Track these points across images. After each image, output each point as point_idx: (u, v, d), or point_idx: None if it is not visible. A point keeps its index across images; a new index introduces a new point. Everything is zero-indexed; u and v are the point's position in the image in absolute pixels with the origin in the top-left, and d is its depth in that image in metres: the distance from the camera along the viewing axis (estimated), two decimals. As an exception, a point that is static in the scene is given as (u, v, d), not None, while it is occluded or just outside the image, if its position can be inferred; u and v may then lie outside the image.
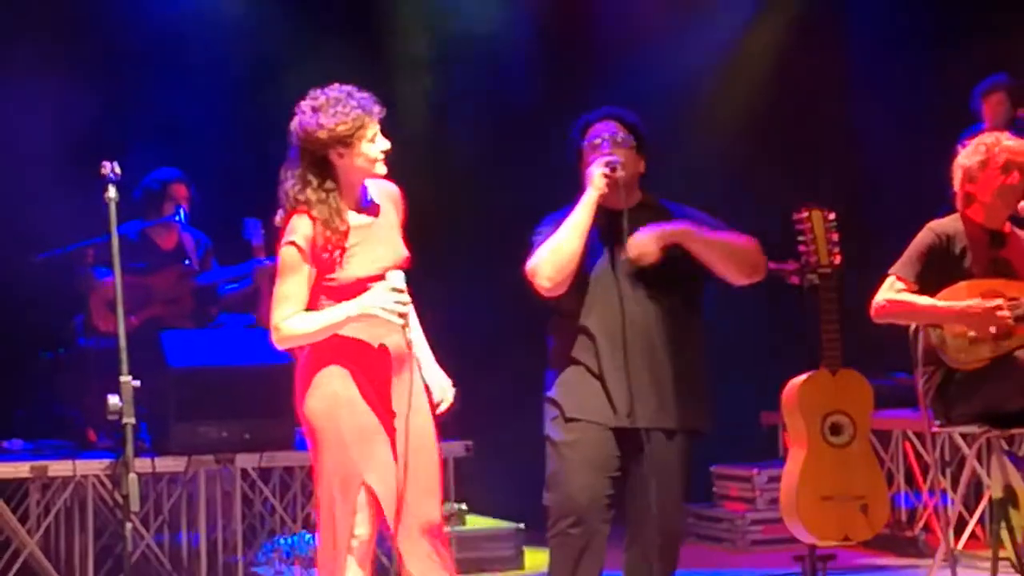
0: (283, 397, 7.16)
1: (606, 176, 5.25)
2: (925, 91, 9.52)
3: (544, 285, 5.25)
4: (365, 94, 4.91)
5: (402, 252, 4.94)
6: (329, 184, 4.83)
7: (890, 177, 8.96)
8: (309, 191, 4.80)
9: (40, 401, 7.89)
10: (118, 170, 4.78)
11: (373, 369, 4.94)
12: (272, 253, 8.09)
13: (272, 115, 8.50)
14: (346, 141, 4.81)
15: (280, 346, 4.91)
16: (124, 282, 5.10)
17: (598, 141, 5.40)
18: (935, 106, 9.12)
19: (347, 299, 4.84)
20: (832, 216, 5.95)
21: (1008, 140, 5.78)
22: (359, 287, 4.83)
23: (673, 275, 5.33)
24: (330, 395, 4.92)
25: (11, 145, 8.13)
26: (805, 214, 5.94)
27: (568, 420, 5.32)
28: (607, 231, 5.33)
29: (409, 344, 4.89)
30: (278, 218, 4.88)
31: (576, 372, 5.36)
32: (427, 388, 5.05)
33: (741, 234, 5.35)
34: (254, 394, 7.15)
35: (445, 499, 5.20)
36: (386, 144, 4.92)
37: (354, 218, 4.92)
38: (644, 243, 5.19)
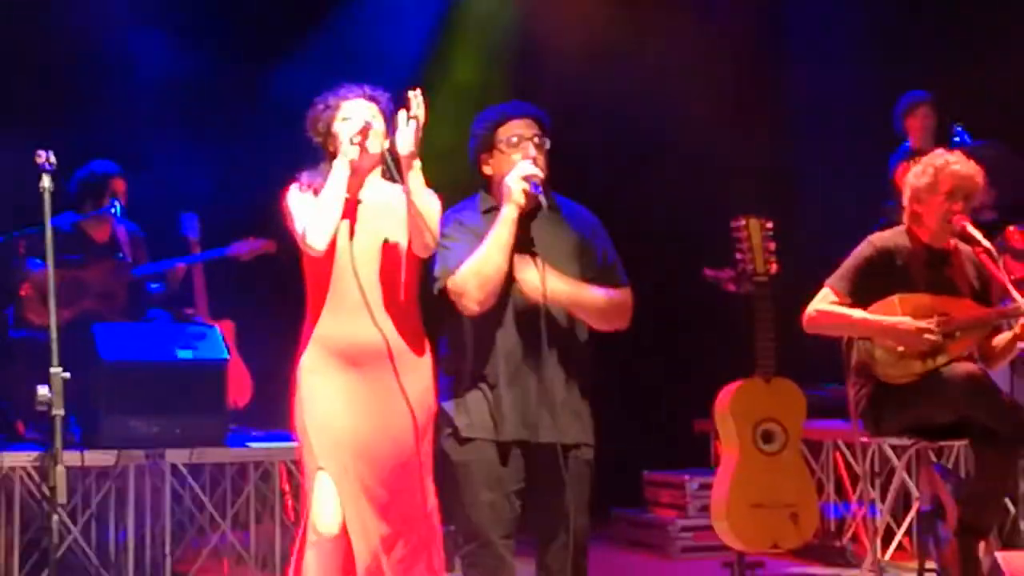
0: (215, 393, 7.22)
1: (526, 193, 5.09)
2: (859, 105, 9.55)
3: (473, 308, 5.08)
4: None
5: None
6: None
7: (827, 188, 9.00)
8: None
9: (-30, 394, 7.94)
10: (53, 159, 4.73)
11: (355, 364, 5.03)
12: (207, 248, 8.16)
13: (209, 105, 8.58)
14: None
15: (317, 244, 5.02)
16: (57, 275, 5.08)
17: (515, 140, 5.19)
18: (870, 120, 9.18)
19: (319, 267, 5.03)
20: (770, 225, 6.01)
21: (956, 165, 5.76)
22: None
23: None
24: (312, 395, 5.04)
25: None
26: (743, 222, 6.00)
27: (464, 441, 5.27)
28: (520, 241, 5.20)
29: (386, 339, 5.04)
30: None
31: (473, 385, 5.25)
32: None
33: (613, 288, 5.25)
34: (186, 390, 7.14)
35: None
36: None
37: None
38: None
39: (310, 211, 5.02)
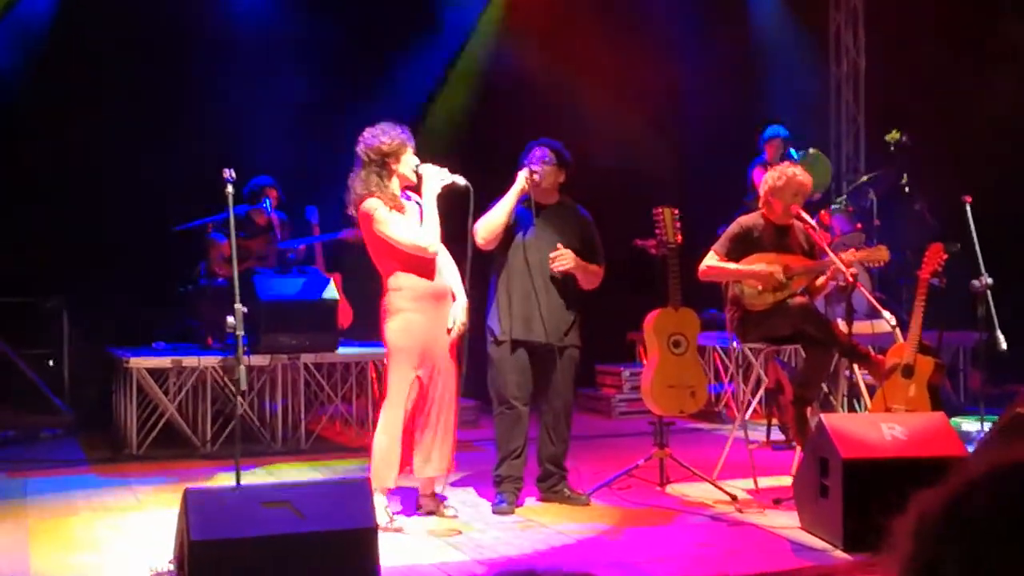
0: (330, 319, 7.29)
1: (527, 180, 5.42)
2: (732, 126, 9.46)
3: (480, 243, 5.37)
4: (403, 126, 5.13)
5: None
6: (386, 180, 5.05)
7: (709, 187, 9.07)
8: (373, 184, 5.02)
9: (176, 318, 7.91)
10: (233, 175, 4.84)
11: (432, 299, 5.12)
12: (324, 231, 8.22)
13: (331, 134, 8.61)
14: (397, 155, 5.07)
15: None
16: (231, 244, 5.15)
17: (533, 159, 5.49)
18: (741, 137, 9.11)
19: (399, 256, 5.04)
20: (677, 211, 5.89)
21: (801, 175, 5.76)
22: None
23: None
24: (404, 319, 5.10)
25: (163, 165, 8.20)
26: (660, 210, 5.89)
27: (500, 342, 5.47)
28: (526, 216, 5.46)
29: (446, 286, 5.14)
30: (351, 208, 5.08)
31: (503, 301, 5.45)
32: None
33: (598, 265, 5.55)
34: (313, 317, 7.23)
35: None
36: (416, 160, 5.11)
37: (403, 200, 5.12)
38: (566, 264, 5.42)
39: (404, 224, 5.02)
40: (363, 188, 5.06)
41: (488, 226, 5.37)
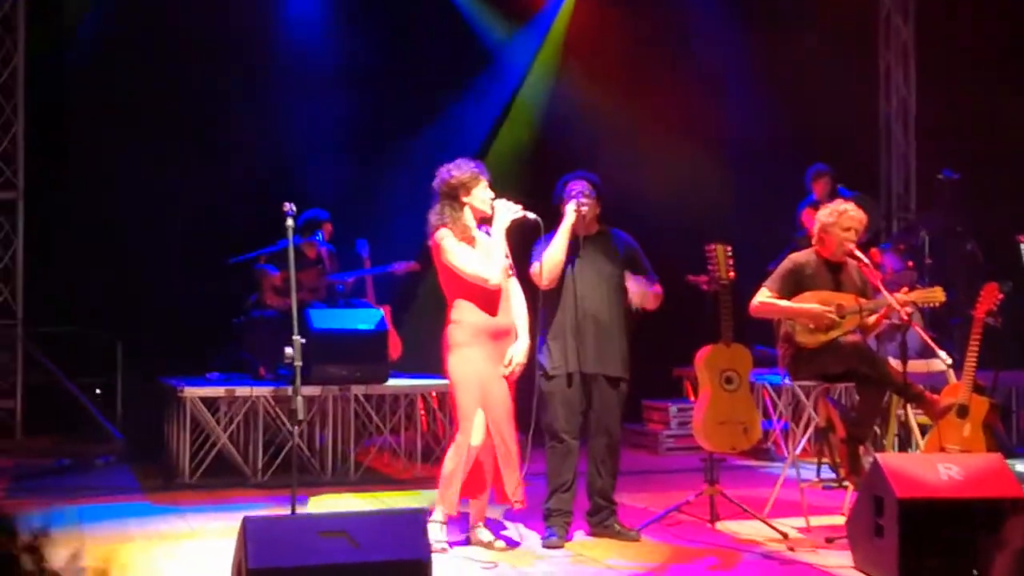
0: (380, 351, 7.30)
1: (576, 211, 5.43)
2: (783, 163, 9.48)
3: (545, 284, 5.37)
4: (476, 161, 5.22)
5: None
6: (458, 212, 5.15)
7: (762, 223, 9.05)
8: (447, 216, 5.15)
9: (229, 349, 7.95)
10: (294, 208, 4.91)
11: (489, 336, 5.17)
12: (374, 264, 8.29)
13: (384, 168, 8.68)
14: (467, 187, 5.15)
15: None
16: (283, 276, 5.20)
17: (573, 191, 5.51)
18: (791, 179, 9.13)
19: (464, 287, 5.13)
20: (729, 249, 5.90)
21: (854, 212, 5.74)
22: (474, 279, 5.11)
23: (617, 283, 5.56)
24: (461, 354, 5.18)
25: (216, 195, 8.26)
26: (713, 247, 5.89)
27: (549, 377, 5.46)
28: (572, 249, 5.46)
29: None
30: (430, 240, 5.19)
31: (553, 337, 5.44)
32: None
33: (658, 284, 5.55)
34: (363, 348, 7.25)
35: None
36: (491, 194, 5.19)
37: (476, 233, 5.20)
38: (641, 298, 5.48)
39: (470, 255, 5.13)
40: (437, 220, 5.20)
41: (550, 265, 5.39)
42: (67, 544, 1.22)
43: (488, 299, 5.17)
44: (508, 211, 5.22)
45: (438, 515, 5.21)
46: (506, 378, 5.24)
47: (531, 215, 5.26)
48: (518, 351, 5.25)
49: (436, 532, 5.11)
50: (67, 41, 8.90)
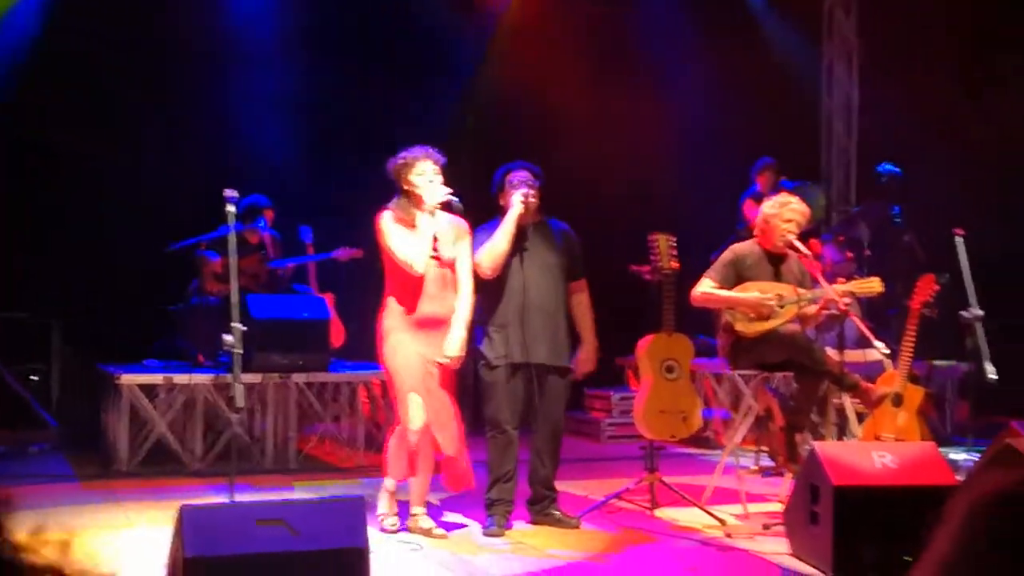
0: (322, 339, 7.28)
1: (523, 202, 5.42)
2: (726, 155, 9.49)
3: (487, 274, 5.40)
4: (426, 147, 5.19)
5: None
6: (402, 197, 5.18)
7: (705, 213, 9.13)
8: (394, 200, 5.19)
9: (168, 336, 7.87)
10: (236, 194, 4.88)
11: (417, 324, 5.17)
12: (318, 251, 8.21)
13: (328, 157, 8.60)
14: (401, 173, 5.17)
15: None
16: (224, 263, 5.15)
17: (516, 182, 5.51)
18: (734, 172, 9.17)
19: (396, 272, 5.13)
20: (672, 239, 5.94)
21: (796, 204, 5.79)
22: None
23: (560, 273, 5.57)
24: (393, 340, 5.19)
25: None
26: (656, 236, 5.94)
27: (493, 367, 5.49)
28: (518, 238, 5.47)
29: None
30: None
31: (496, 327, 5.44)
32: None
33: (582, 277, 5.63)
34: (305, 336, 7.23)
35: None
36: (429, 178, 5.15)
37: (421, 218, 5.17)
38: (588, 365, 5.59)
39: (402, 238, 5.11)
40: (391, 203, 5.24)
41: (493, 255, 5.38)
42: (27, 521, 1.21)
43: (415, 286, 5.16)
44: (434, 195, 5.20)
45: (388, 484, 5.36)
46: (442, 367, 5.23)
47: (455, 199, 5.22)
48: (451, 344, 5.22)
49: (384, 503, 5.35)
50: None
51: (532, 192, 5.44)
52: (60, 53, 8.31)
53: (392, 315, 5.19)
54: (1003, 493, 1.01)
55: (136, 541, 5.20)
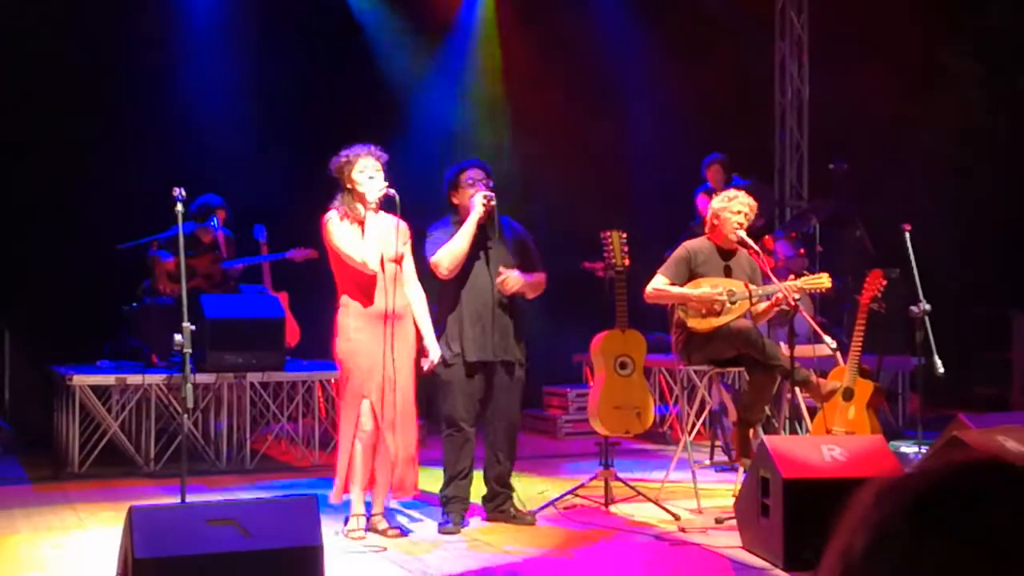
0: (277, 338, 7.24)
1: (485, 205, 5.40)
2: (679, 151, 9.56)
3: (444, 275, 5.39)
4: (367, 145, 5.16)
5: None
6: (347, 195, 5.16)
7: (657, 210, 9.17)
8: (339, 199, 5.16)
9: (120, 337, 7.79)
10: (184, 193, 4.86)
11: (375, 319, 5.13)
12: (272, 250, 8.19)
13: (279, 159, 8.56)
14: (343, 172, 5.15)
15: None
16: (177, 262, 5.10)
17: (472, 180, 5.47)
18: (687, 168, 9.22)
19: (347, 270, 5.10)
20: (625, 235, 5.94)
21: (744, 198, 5.84)
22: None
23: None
24: (347, 339, 5.16)
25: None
26: (608, 233, 5.93)
27: (449, 365, 5.47)
28: (481, 238, 5.45)
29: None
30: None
31: (453, 323, 5.43)
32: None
33: (541, 272, 5.56)
34: (259, 335, 7.18)
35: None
36: (368, 176, 5.12)
37: (371, 217, 5.15)
38: (515, 285, 5.41)
39: (351, 237, 5.09)
40: (335, 203, 5.20)
41: (453, 256, 5.35)
42: None
43: (369, 283, 5.15)
44: (373, 191, 5.19)
45: (356, 508, 5.25)
46: (403, 366, 5.22)
47: (391, 191, 5.20)
48: (431, 349, 5.26)
49: (356, 520, 5.26)
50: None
51: (493, 195, 5.43)
52: (2, 49, 8.19)
53: (350, 313, 5.17)
54: (898, 481, 1.04)
55: (87, 543, 5.16)
